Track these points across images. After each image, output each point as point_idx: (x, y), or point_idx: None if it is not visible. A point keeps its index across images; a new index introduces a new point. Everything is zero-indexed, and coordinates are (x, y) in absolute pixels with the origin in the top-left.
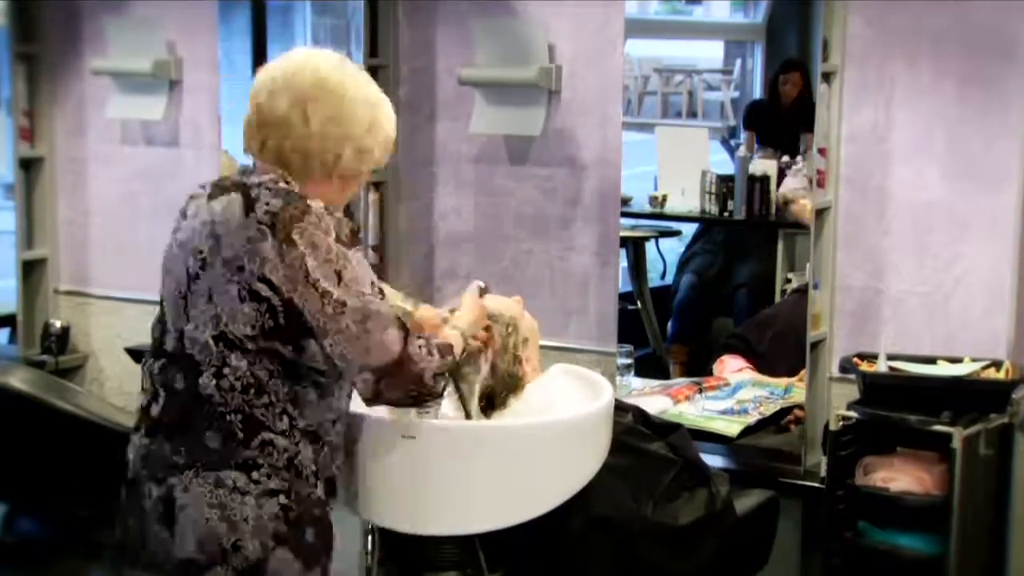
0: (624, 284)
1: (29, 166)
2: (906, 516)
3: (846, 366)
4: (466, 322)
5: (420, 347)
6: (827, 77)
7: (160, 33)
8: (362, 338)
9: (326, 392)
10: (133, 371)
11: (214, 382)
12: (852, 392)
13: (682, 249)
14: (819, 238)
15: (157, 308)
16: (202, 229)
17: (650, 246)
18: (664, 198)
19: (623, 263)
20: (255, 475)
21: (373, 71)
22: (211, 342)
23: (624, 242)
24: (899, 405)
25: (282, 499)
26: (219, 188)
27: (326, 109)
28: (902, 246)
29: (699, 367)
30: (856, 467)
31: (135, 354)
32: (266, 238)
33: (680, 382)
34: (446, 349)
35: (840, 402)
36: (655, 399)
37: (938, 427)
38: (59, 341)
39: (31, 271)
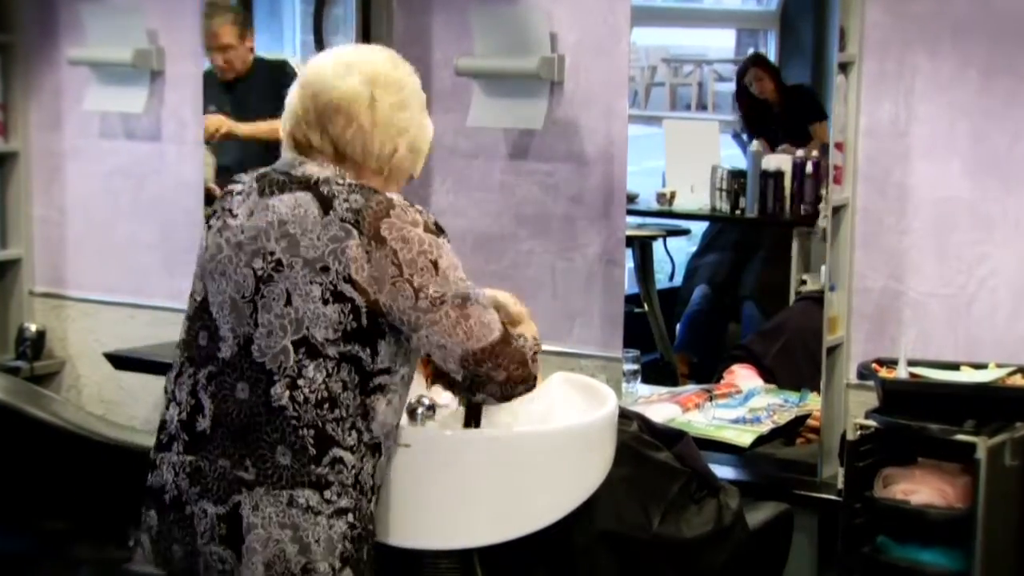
0: (630, 286)
1: (2, 161)
2: (928, 530)
3: (864, 372)
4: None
5: (511, 331)
6: (844, 68)
7: (141, 21)
8: (462, 323)
9: (393, 397)
10: (112, 377)
11: (288, 393)
12: (870, 400)
13: (691, 249)
14: (836, 237)
15: (187, 315)
16: (269, 229)
17: (658, 246)
18: (672, 195)
19: (629, 264)
20: (327, 494)
21: None
22: (290, 347)
23: (630, 241)
24: (920, 413)
25: (350, 518)
26: (274, 184)
27: (391, 95)
28: (923, 246)
29: (706, 376)
30: (875, 479)
31: (114, 359)
32: (351, 236)
33: (689, 389)
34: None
35: (858, 410)
36: (663, 407)
37: (961, 436)
38: (34, 346)
39: (4, 272)
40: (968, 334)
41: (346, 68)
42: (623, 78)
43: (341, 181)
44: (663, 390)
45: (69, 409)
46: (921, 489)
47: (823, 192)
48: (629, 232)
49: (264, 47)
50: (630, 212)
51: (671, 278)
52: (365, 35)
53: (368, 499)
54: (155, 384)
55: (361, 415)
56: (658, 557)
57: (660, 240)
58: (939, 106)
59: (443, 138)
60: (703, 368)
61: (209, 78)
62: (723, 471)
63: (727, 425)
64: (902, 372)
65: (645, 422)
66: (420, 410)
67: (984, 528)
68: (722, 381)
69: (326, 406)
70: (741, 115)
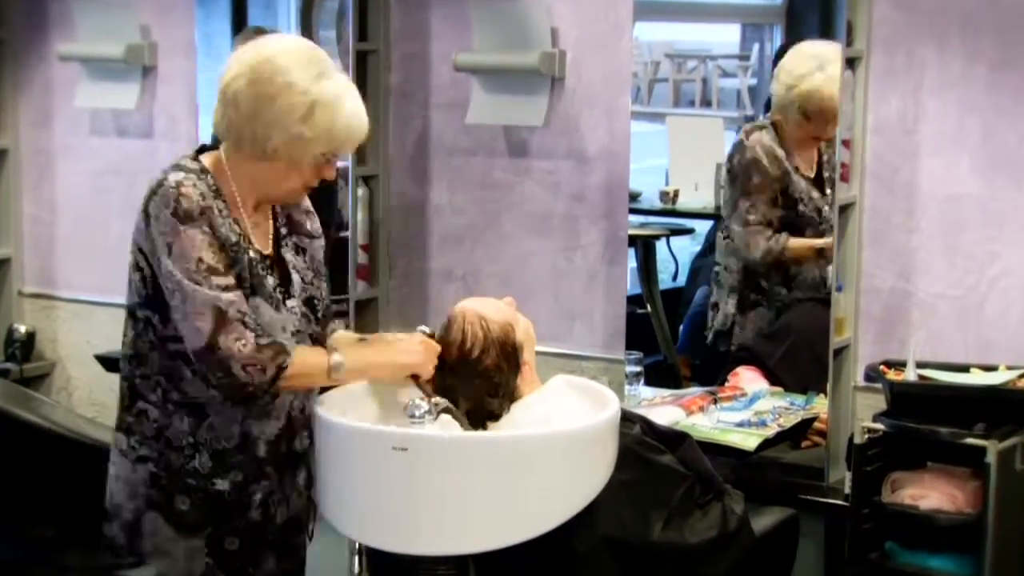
0: (633, 286)
1: None
2: (937, 536)
3: (872, 374)
4: (360, 361)
5: (235, 339)
6: (851, 63)
7: (133, 16)
8: (183, 321)
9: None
10: (103, 380)
11: (121, 347)
12: (878, 402)
13: (695, 248)
14: (843, 236)
15: None
16: None
17: (661, 245)
18: (676, 193)
19: (631, 263)
20: (131, 441)
21: (362, 56)
22: (126, 310)
23: (632, 241)
24: (929, 416)
25: (152, 467)
26: None
27: (260, 88)
28: (932, 245)
29: (709, 378)
30: (883, 483)
31: (105, 361)
32: (143, 210)
33: (693, 392)
34: (274, 350)
35: (865, 413)
36: (666, 409)
37: (971, 440)
38: (24, 347)
39: None
40: (978, 335)
41: (233, 61)
42: (625, 74)
43: (180, 160)
44: (666, 392)
45: (59, 412)
46: (930, 494)
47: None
48: (631, 231)
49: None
50: (632, 211)
51: (674, 278)
52: (361, 29)
53: (184, 455)
54: None
55: (165, 375)
56: (661, 563)
57: (663, 239)
58: (948, 102)
59: (442, 135)
60: (706, 370)
61: None
62: (728, 475)
63: (732, 428)
64: (911, 374)
65: (648, 425)
66: (417, 412)
67: (994, 534)
68: (726, 384)
69: (134, 362)
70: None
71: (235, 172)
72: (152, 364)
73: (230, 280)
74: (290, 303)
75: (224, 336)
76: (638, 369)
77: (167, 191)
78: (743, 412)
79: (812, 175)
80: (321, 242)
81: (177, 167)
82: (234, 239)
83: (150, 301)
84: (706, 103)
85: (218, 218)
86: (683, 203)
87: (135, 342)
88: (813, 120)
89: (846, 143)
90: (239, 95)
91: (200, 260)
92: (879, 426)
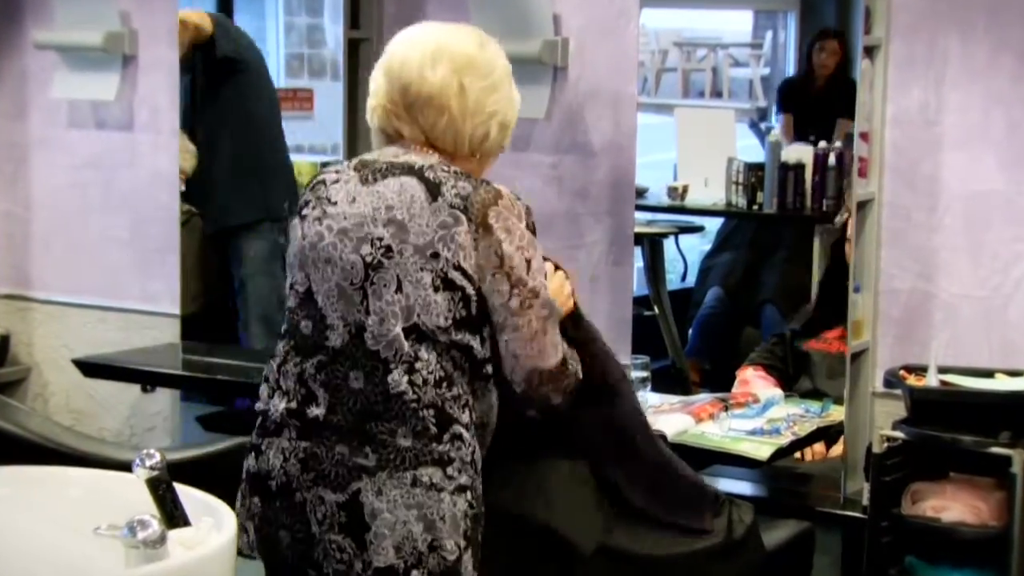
0: (639, 287)
1: None
2: (960, 550)
3: (891, 380)
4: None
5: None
6: (870, 52)
7: (113, 2)
8: (538, 339)
9: (495, 381)
10: (81, 385)
11: (407, 378)
12: (898, 409)
13: (705, 247)
14: (861, 234)
15: (289, 306)
16: (375, 215)
17: (669, 244)
18: (685, 189)
19: (638, 263)
20: (449, 470)
21: (354, 45)
22: (402, 336)
23: (639, 239)
24: (952, 424)
25: (468, 495)
26: (376, 172)
27: (481, 80)
28: (955, 244)
29: (720, 383)
30: (903, 495)
31: (84, 366)
32: (460, 223)
33: (703, 398)
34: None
35: (885, 421)
36: (674, 417)
37: (996, 449)
38: None
39: None
40: (1003, 339)
41: (433, 57)
42: (632, 63)
43: (446, 168)
44: (674, 399)
45: (35, 419)
46: (952, 505)
47: (847, 186)
48: (638, 229)
49: (245, 29)
50: (639, 207)
51: (683, 278)
52: (354, 16)
53: (480, 479)
54: (128, 393)
55: (472, 394)
56: (662, 572)
57: (671, 238)
58: (972, 93)
59: None
60: (716, 375)
61: None
62: (740, 486)
63: (744, 437)
64: (932, 380)
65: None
66: (141, 535)
67: (1020, 548)
68: (734, 388)
69: (444, 385)
70: (782, 88)
71: None
72: (460, 385)
73: None
74: None
75: (565, 347)
76: (645, 374)
77: (513, 202)
78: (755, 420)
79: None
80: None
81: (471, 176)
82: None
83: (468, 323)
84: (716, 94)
85: None
86: (692, 199)
87: (440, 364)
88: None
89: (864, 136)
90: (459, 94)
91: (546, 275)
92: (899, 434)
